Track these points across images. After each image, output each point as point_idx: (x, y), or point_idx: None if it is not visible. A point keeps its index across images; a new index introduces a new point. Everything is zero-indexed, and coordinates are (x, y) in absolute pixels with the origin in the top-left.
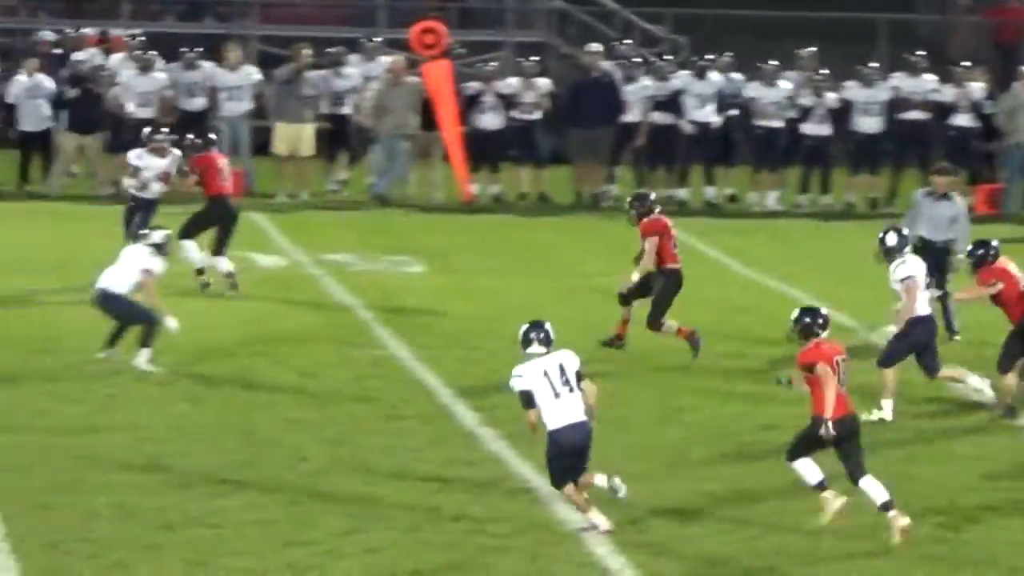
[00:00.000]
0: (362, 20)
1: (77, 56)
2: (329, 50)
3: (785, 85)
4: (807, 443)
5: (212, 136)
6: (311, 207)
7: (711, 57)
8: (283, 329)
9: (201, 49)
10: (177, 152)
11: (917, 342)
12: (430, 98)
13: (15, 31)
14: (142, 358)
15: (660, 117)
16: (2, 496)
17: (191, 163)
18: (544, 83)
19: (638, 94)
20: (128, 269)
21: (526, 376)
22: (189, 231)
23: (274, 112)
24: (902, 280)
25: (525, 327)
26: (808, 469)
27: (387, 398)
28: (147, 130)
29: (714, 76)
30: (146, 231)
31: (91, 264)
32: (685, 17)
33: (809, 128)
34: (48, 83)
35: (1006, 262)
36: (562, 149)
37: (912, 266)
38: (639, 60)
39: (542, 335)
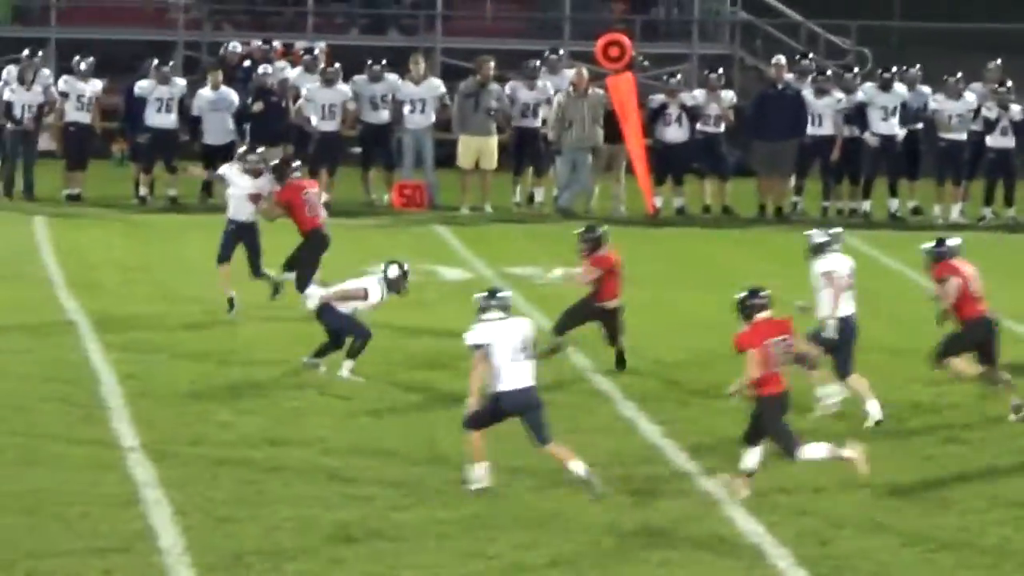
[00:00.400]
0: (547, 33)
1: (261, 69)
2: (529, 62)
3: (970, 97)
4: (763, 426)
5: (297, 161)
6: (495, 220)
7: (896, 69)
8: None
9: (385, 61)
10: (269, 175)
11: (847, 340)
12: (614, 111)
13: (200, 44)
14: (346, 369)
15: (845, 130)
16: (184, 509)
17: (276, 194)
18: (729, 95)
19: (831, 107)
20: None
21: (486, 333)
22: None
23: (458, 125)
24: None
25: (482, 295)
26: (754, 456)
27: (569, 410)
28: (242, 149)
29: (899, 88)
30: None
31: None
32: (870, 29)
33: (993, 141)
34: (233, 96)
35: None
36: (746, 162)
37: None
38: (831, 73)
39: (499, 302)
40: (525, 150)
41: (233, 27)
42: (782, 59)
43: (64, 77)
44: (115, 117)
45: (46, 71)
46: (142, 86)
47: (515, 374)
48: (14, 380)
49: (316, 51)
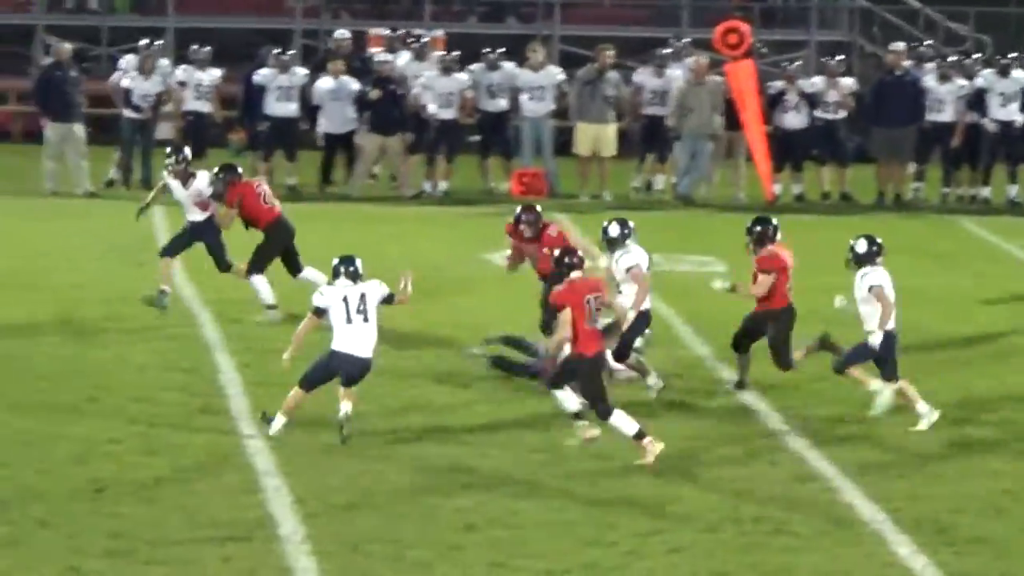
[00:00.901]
0: (665, 20)
1: (380, 57)
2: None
3: None
4: (569, 374)
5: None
6: (614, 207)
7: (1015, 55)
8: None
9: (503, 49)
10: (204, 179)
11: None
12: (733, 98)
13: (318, 32)
14: (476, 348)
15: (967, 116)
16: (303, 497)
17: (227, 197)
18: (848, 82)
19: (953, 93)
20: None
21: (327, 296)
22: (258, 266)
23: (576, 112)
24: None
25: (336, 260)
26: (566, 398)
27: (688, 397)
28: (170, 150)
29: (1017, 74)
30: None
31: (383, 269)
32: (989, 15)
33: None
34: (352, 85)
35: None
36: (865, 148)
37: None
38: (954, 59)
39: (351, 270)
40: (651, 137)
41: (351, 15)
42: (900, 46)
43: (182, 66)
44: (233, 106)
45: (164, 60)
46: (262, 74)
47: (349, 336)
48: (134, 370)
49: (425, 38)
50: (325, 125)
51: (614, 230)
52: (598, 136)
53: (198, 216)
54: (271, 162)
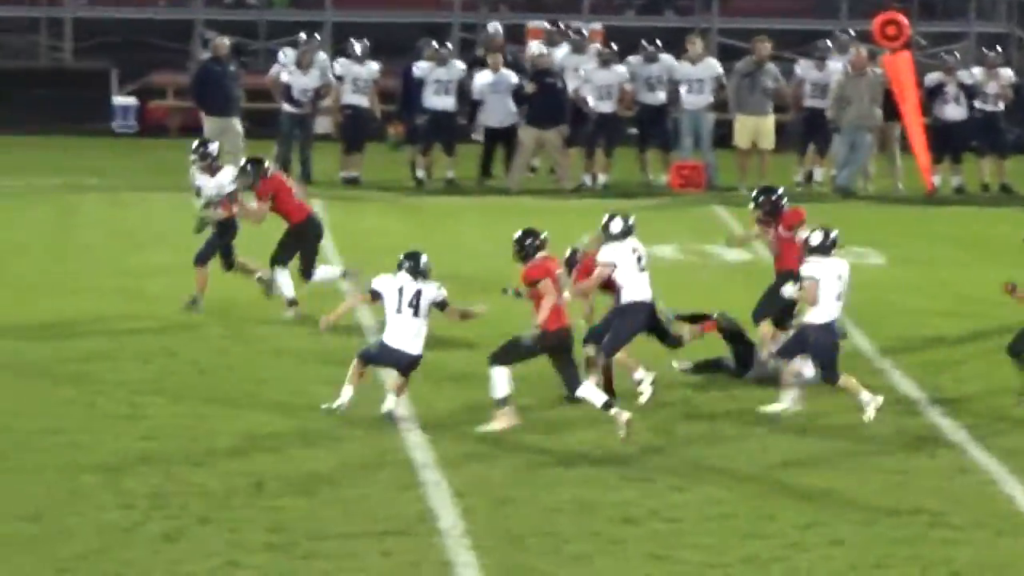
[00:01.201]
0: (824, 12)
1: (536, 51)
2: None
3: None
4: (516, 351)
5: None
6: None
7: None
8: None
9: (661, 42)
10: (228, 174)
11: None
12: (892, 89)
13: (476, 26)
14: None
15: None
16: (463, 490)
17: (258, 189)
18: (1007, 73)
19: None
20: None
21: (384, 283)
22: (283, 260)
23: (735, 104)
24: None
25: (402, 255)
26: (501, 379)
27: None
28: (195, 143)
29: None
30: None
31: None
32: None
33: None
34: (512, 78)
35: None
36: None
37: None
38: None
39: (412, 264)
40: (812, 130)
41: (508, 8)
42: None
43: (340, 60)
44: (390, 100)
45: (323, 54)
46: (420, 67)
47: (397, 328)
48: (292, 363)
49: (585, 31)
50: (485, 119)
51: (615, 226)
52: (757, 128)
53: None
54: (430, 156)
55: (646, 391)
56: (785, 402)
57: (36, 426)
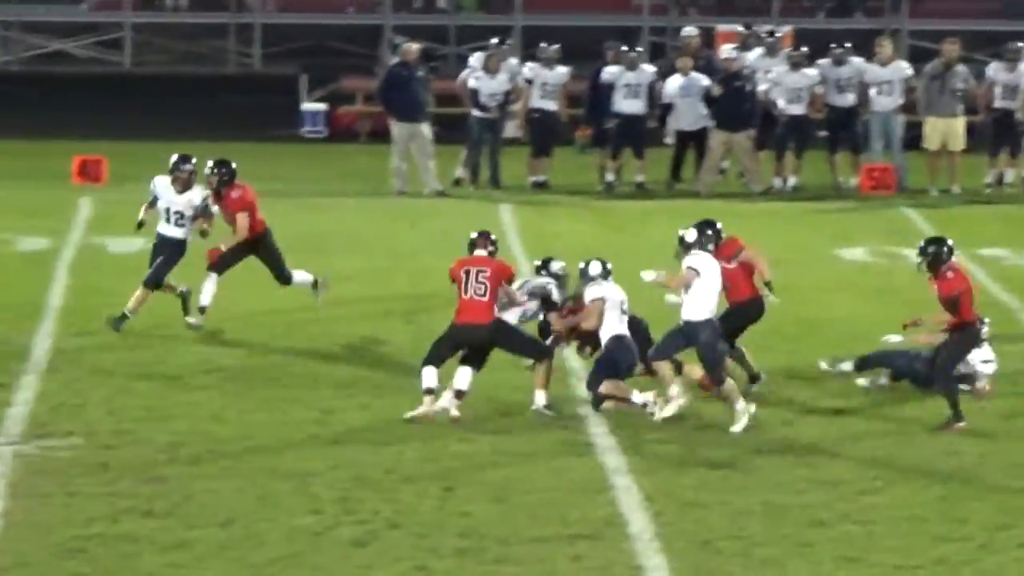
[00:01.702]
0: (1014, 13)
1: (726, 55)
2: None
3: None
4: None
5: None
6: (964, 202)
7: None
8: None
9: (850, 44)
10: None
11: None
12: None
13: (665, 29)
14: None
15: None
16: (652, 495)
17: (235, 201)
18: None
19: None
20: None
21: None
22: (222, 268)
23: (924, 106)
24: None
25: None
26: (428, 375)
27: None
28: (173, 158)
29: None
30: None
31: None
32: None
33: None
34: (702, 81)
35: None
36: None
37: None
38: None
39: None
40: (1003, 131)
41: (698, 12)
42: None
43: (529, 64)
44: (578, 104)
45: (512, 59)
46: (609, 72)
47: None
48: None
49: (777, 34)
50: (676, 122)
51: (594, 269)
52: (947, 130)
53: (173, 231)
54: (619, 159)
55: (656, 412)
56: (674, 401)
57: (229, 432)
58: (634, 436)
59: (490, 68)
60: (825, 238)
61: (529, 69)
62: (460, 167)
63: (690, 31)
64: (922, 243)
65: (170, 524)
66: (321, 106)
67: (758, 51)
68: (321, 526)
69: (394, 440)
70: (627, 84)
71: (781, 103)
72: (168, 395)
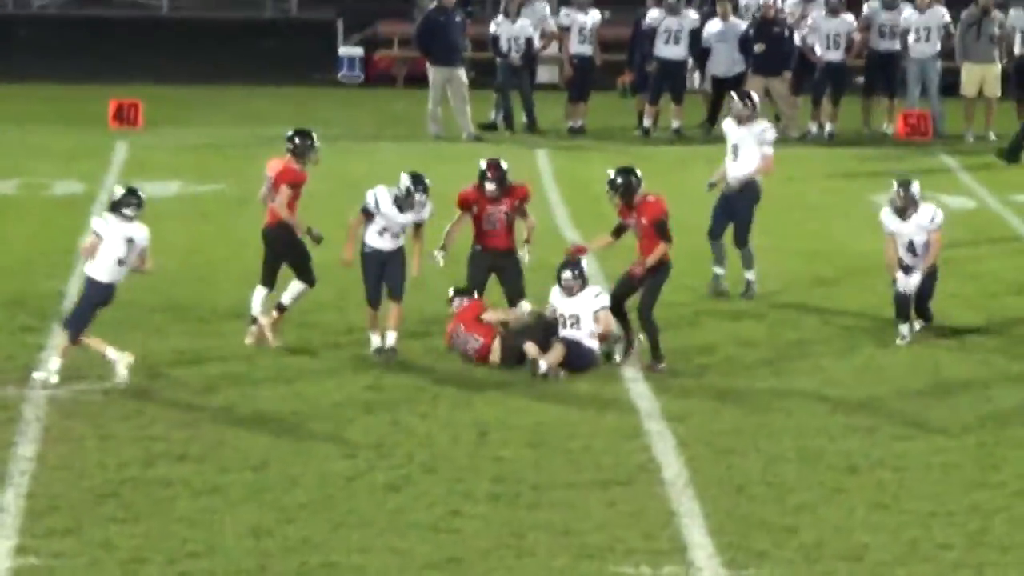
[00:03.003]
0: None
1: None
2: None
3: None
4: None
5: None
6: (999, 148)
7: None
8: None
9: None
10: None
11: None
12: None
13: None
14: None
15: None
16: (686, 440)
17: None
18: None
19: None
20: None
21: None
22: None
23: (961, 53)
24: None
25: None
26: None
27: None
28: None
29: None
30: None
31: (767, 206)
32: None
33: None
34: (740, 26)
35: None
36: None
37: None
38: None
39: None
40: None
41: None
42: None
43: (564, 10)
44: (619, 49)
45: (541, 4)
46: (651, 17)
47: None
48: None
49: None
50: (713, 67)
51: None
52: (984, 76)
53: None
54: (657, 105)
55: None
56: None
57: (262, 375)
58: (668, 381)
59: (507, 13)
60: (860, 185)
61: (564, 15)
62: (493, 112)
63: None
64: (611, 177)
65: (204, 468)
66: (358, 51)
67: None
68: (355, 471)
69: (428, 385)
70: (668, 29)
71: (818, 49)
72: (202, 339)
